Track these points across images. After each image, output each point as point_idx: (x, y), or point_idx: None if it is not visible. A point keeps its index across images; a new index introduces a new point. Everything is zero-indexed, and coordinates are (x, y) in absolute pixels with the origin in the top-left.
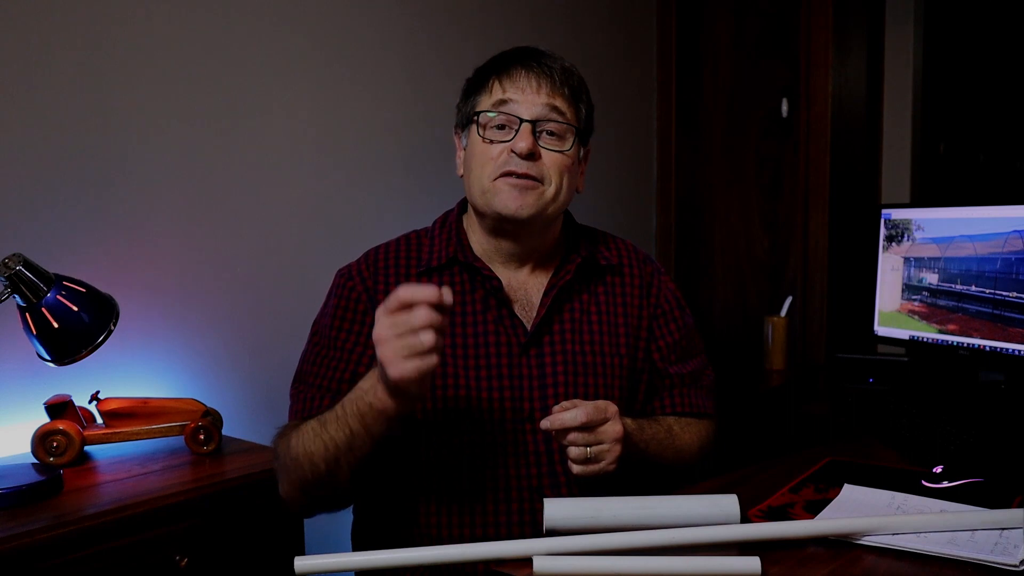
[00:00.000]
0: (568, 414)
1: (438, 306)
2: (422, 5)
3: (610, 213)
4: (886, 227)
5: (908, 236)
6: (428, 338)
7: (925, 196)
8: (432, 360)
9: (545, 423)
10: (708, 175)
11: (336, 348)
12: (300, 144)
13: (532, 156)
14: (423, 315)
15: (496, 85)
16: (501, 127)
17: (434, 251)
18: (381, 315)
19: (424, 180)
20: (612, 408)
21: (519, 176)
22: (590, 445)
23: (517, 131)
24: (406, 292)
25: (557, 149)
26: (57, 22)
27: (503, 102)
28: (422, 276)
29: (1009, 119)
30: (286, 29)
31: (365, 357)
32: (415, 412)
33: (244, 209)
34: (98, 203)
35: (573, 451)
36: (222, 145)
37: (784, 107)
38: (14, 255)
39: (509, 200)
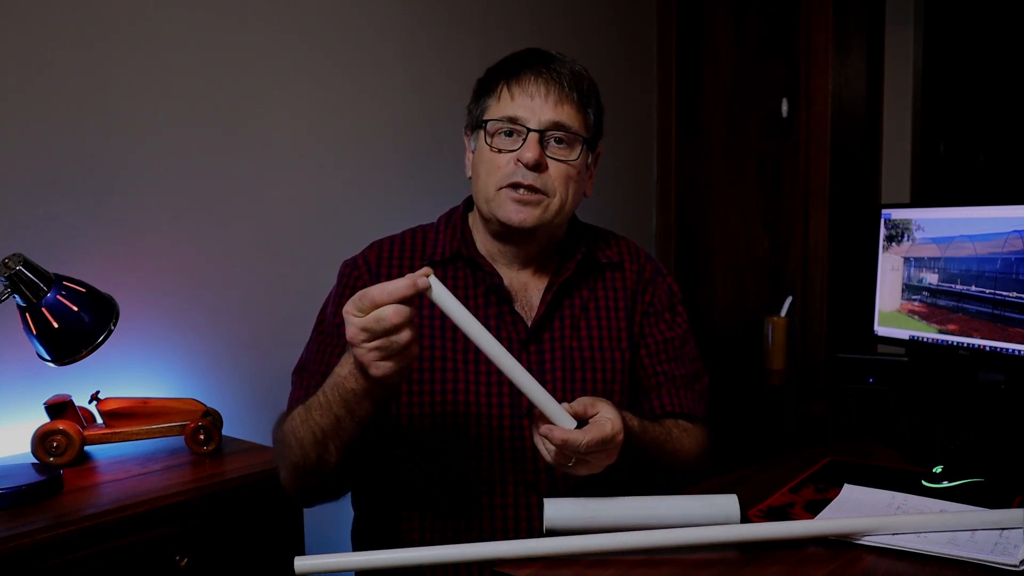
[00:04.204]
0: (577, 435)
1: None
2: (422, 5)
3: (610, 213)
4: (886, 227)
5: (908, 236)
6: (403, 338)
7: (925, 196)
8: (410, 356)
9: (553, 433)
10: (708, 175)
11: (340, 335)
12: (300, 144)
13: (538, 167)
14: (394, 315)
15: (505, 91)
16: (509, 134)
17: (438, 245)
18: (350, 316)
19: (425, 180)
20: (620, 437)
21: (524, 188)
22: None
23: (524, 140)
24: (378, 293)
25: (564, 159)
26: (57, 22)
27: (511, 111)
28: None
29: (1009, 119)
30: (286, 29)
31: None
32: (412, 407)
33: (244, 209)
34: (98, 203)
35: (557, 458)
36: (222, 145)
37: (784, 107)
38: (14, 255)
39: (512, 213)
